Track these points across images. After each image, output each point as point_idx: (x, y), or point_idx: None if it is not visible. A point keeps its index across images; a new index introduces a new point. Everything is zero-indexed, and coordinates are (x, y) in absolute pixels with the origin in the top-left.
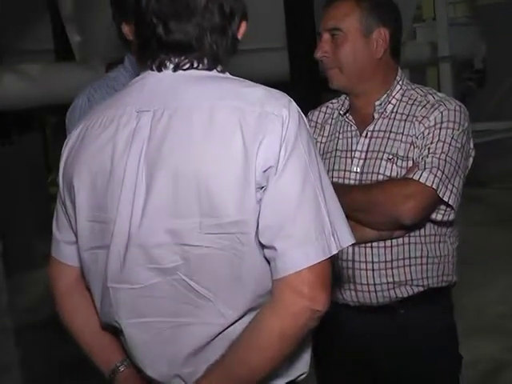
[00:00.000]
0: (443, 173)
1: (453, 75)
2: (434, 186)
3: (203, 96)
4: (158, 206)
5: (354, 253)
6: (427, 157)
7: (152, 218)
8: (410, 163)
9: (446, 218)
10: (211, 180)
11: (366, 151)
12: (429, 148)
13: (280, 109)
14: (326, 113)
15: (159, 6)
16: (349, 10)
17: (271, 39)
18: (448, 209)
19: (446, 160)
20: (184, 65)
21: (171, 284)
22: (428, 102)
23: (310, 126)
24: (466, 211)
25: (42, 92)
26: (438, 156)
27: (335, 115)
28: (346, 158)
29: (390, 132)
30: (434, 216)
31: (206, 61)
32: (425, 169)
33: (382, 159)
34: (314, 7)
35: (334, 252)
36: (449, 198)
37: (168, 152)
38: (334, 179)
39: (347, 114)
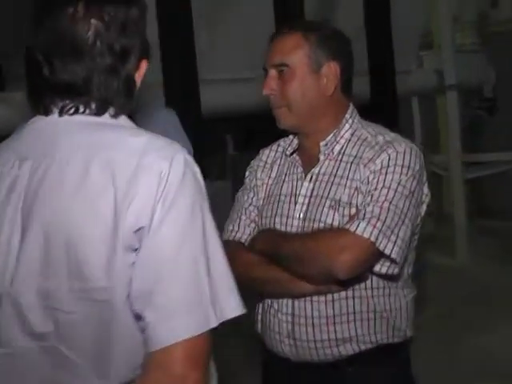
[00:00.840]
0: (384, 223)
1: (461, 103)
2: (371, 238)
3: (81, 146)
4: (30, 264)
5: (293, 306)
6: (368, 205)
7: (24, 277)
8: (354, 210)
9: (390, 272)
10: (79, 242)
11: (310, 196)
12: (372, 195)
13: (159, 161)
14: (276, 151)
15: (45, 42)
16: (295, 43)
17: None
18: (391, 263)
19: (389, 208)
20: (69, 109)
21: (45, 351)
22: (377, 143)
23: (258, 165)
24: (476, 245)
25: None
26: (379, 204)
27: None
28: (290, 202)
29: (335, 176)
30: (377, 268)
31: (93, 105)
32: (363, 218)
33: (324, 206)
34: None
35: (213, 325)
36: (391, 250)
37: (41, 206)
38: (276, 225)
39: (294, 155)
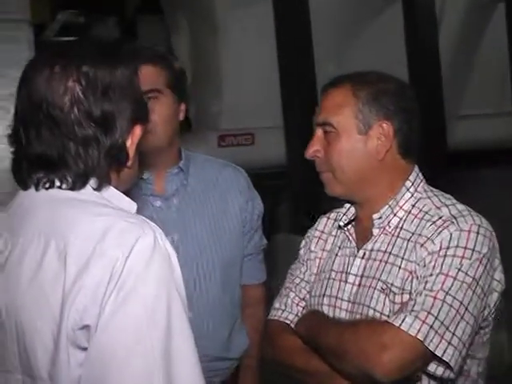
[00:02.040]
0: (436, 318)
1: None
2: (419, 336)
3: (45, 226)
4: None
5: None
6: (420, 294)
7: None
8: (407, 298)
9: (445, 376)
10: (27, 332)
11: (361, 276)
12: (426, 282)
13: (115, 248)
14: (335, 220)
15: (23, 111)
16: (342, 100)
17: (499, 103)
18: (447, 366)
19: (444, 300)
20: (45, 183)
21: None
22: (440, 217)
23: (313, 235)
24: None
25: None
26: (433, 294)
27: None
28: (340, 281)
29: (390, 254)
30: (431, 369)
31: (70, 179)
32: (412, 311)
33: (375, 289)
34: None
35: None
36: (444, 351)
37: (2, 288)
38: (323, 307)
39: (349, 226)
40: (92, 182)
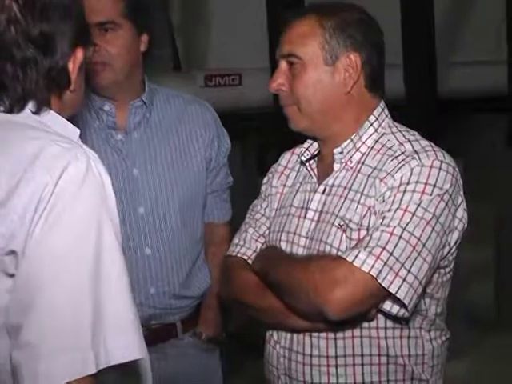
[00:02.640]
0: (391, 254)
1: None
2: (372, 272)
3: None
4: None
5: (291, 340)
6: (376, 229)
7: None
8: (364, 234)
9: (400, 314)
10: None
11: (320, 211)
12: (383, 217)
13: (45, 173)
14: (299, 156)
15: None
16: (308, 30)
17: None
18: (400, 304)
19: (401, 236)
20: None
21: None
22: (402, 152)
23: (276, 170)
24: None
25: None
26: (390, 230)
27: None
28: (299, 217)
29: (350, 190)
30: (387, 307)
31: (7, 101)
32: (366, 247)
33: (333, 225)
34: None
35: (91, 372)
36: (398, 289)
37: None
38: (281, 243)
39: (311, 162)
40: (30, 105)
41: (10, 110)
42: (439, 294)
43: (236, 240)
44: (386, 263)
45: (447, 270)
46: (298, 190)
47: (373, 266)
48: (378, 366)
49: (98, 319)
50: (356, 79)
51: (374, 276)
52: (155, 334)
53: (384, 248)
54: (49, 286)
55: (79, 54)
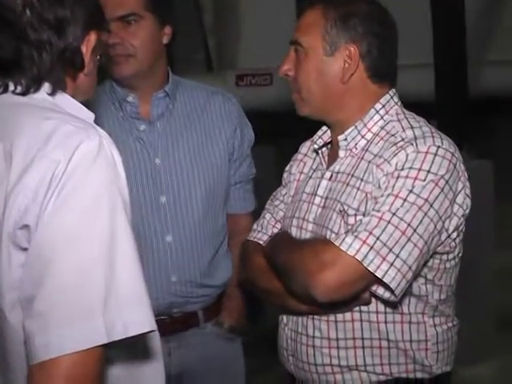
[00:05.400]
0: (378, 238)
1: None
2: (357, 256)
3: None
4: None
5: (297, 322)
6: (368, 215)
7: None
8: (359, 219)
9: (386, 297)
10: None
11: (326, 198)
12: (376, 203)
13: (59, 150)
14: (315, 142)
15: None
16: (312, 20)
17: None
18: (389, 288)
19: (389, 221)
20: None
21: None
22: (403, 139)
23: (296, 158)
24: None
25: None
26: (379, 215)
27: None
28: (309, 203)
29: (352, 176)
30: (380, 292)
31: (24, 82)
32: (354, 231)
33: (334, 210)
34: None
35: (101, 342)
36: (385, 273)
37: None
38: (292, 228)
39: (323, 149)
40: (46, 86)
41: (26, 91)
42: (442, 280)
43: (255, 226)
44: (372, 247)
45: (450, 256)
46: (310, 177)
47: (358, 250)
48: (379, 349)
49: (112, 292)
50: (354, 70)
51: (360, 260)
52: (177, 322)
53: (371, 232)
54: (61, 258)
55: (92, 37)
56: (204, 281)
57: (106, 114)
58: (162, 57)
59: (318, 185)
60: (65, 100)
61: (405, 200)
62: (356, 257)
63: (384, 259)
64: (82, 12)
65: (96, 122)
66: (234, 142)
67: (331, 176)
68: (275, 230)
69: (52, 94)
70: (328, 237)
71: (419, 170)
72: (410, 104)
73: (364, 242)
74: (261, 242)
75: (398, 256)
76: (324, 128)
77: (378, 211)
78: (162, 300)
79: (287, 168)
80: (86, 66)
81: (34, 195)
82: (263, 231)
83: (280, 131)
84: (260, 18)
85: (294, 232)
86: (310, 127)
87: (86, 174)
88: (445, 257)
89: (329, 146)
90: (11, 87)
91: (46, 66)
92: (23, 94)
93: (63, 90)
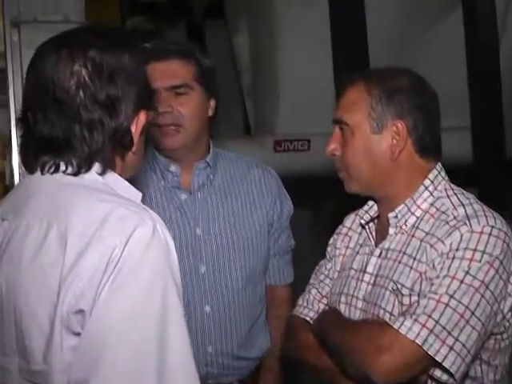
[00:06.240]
0: (437, 322)
1: None
2: (417, 340)
3: (48, 210)
4: None
5: None
6: (424, 297)
7: None
8: (415, 300)
9: (448, 382)
10: (24, 315)
11: (376, 275)
12: (432, 284)
13: (115, 235)
14: (362, 217)
15: (30, 94)
16: (356, 97)
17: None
18: (448, 372)
19: (448, 304)
20: (50, 167)
21: None
22: (455, 217)
23: (340, 232)
24: None
25: None
26: (437, 297)
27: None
28: (358, 279)
29: (404, 254)
30: (437, 374)
31: (75, 163)
32: (412, 314)
33: (386, 289)
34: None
35: None
36: (445, 357)
37: (0, 272)
38: (340, 305)
39: (370, 224)
40: (96, 166)
41: (77, 171)
42: (497, 360)
43: (300, 301)
44: (431, 331)
45: (504, 336)
46: (357, 253)
47: (418, 333)
48: None
49: (164, 376)
50: (403, 146)
51: (420, 344)
52: None
53: (430, 316)
54: (115, 344)
55: (142, 116)
56: (241, 353)
57: (148, 182)
58: (206, 128)
59: (367, 261)
60: (114, 180)
61: (461, 282)
62: (416, 341)
63: (444, 343)
64: (133, 91)
65: (140, 190)
66: (274, 213)
67: (381, 253)
68: (321, 306)
69: (102, 174)
70: (381, 316)
71: (474, 250)
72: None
73: (423, 325)
74: (307, 319)
75: (457, 340)
76: (370, 203)
77: (436, 293)
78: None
79: (331, 241)
80: (135, 145)
81: (90, 279)
82: (309, 307)
83: (317, 196)
84: (298, 82)
85: (343, 309)
86: (346, 192)
87: (140, 259)
88: (499, 337)
89: (375, 220)
90: (62, 167)
91: (97, 146)
92: (74, 174)
93: (113, 169)
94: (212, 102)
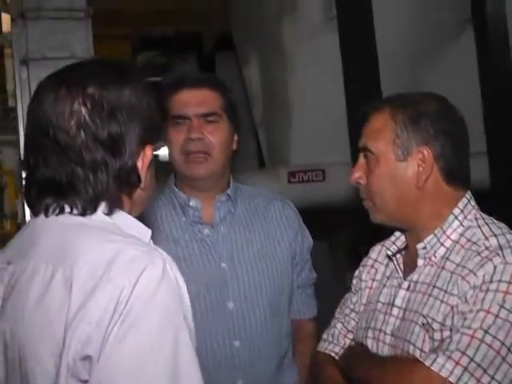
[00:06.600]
0: (472, 359)
1: None
2: (451, 379)
3: (53, 252)
4: None
5: None
6: (457, 332)
7: None
8: (447, 335)
9: None
10: (29, 359)
11: (405, 309)
12: (465, 318)
13: (123, 276)
14: (389, 249)
15: (31, 136)
16: (381, 124)
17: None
18: None
19: (482, 340)
20: (55, 209)
21: None
22: (487, 248)
23: (366, 264)
24: None
25: None
26: (470, 333)
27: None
28: (385, 313)
29: (434, 287)
30: None
31: (79, 204)
32: (446, 350)
33: (416, 323)
34: None
35: None
36: None
37: (5, 318)
38: (368, 340)
39: (397, 256)
40: (102, 206)
41: (82, 213)
42: None
43: (325, 335)
44: (466, 369)
45: None
46: (384, 285)
47: (452, 371)
48: None
49: None
50: (429, 174)
51: (453, 382)
52: None
53: (464, 353)
54: None
55: (148, 151)
56: None
57: (168, 219)
58: (230, 161)
59: (395, 294)
60: (122, 218)
61: (496, 316)
62: (450, 379)
63: (479, 381)
64: (136, 127)
65: (156, 226)
66: (296, 246)
67: (409, 285)
68: (347, 341)
69: (109, 213)
70: (411, 352)
71: (509, 283)
72: None
73: (457, 362)
74: (333, 354)
75: (493, 378)
76: (397, 233)
77: (469, 328)
78: None
79: (356, 273)
80: (143, 182)
81: (98, 322)
82: (334, 342)
83: (333, 226)
84: (310, 112)
85: (371, 344)
86: (362, 222)
87: (150, 301)
88: None
89: (403, 252)
90: (67, 209)
91: (101, 186)
92: (80, 215)
93: (120, 208)
94: (235, 136)
